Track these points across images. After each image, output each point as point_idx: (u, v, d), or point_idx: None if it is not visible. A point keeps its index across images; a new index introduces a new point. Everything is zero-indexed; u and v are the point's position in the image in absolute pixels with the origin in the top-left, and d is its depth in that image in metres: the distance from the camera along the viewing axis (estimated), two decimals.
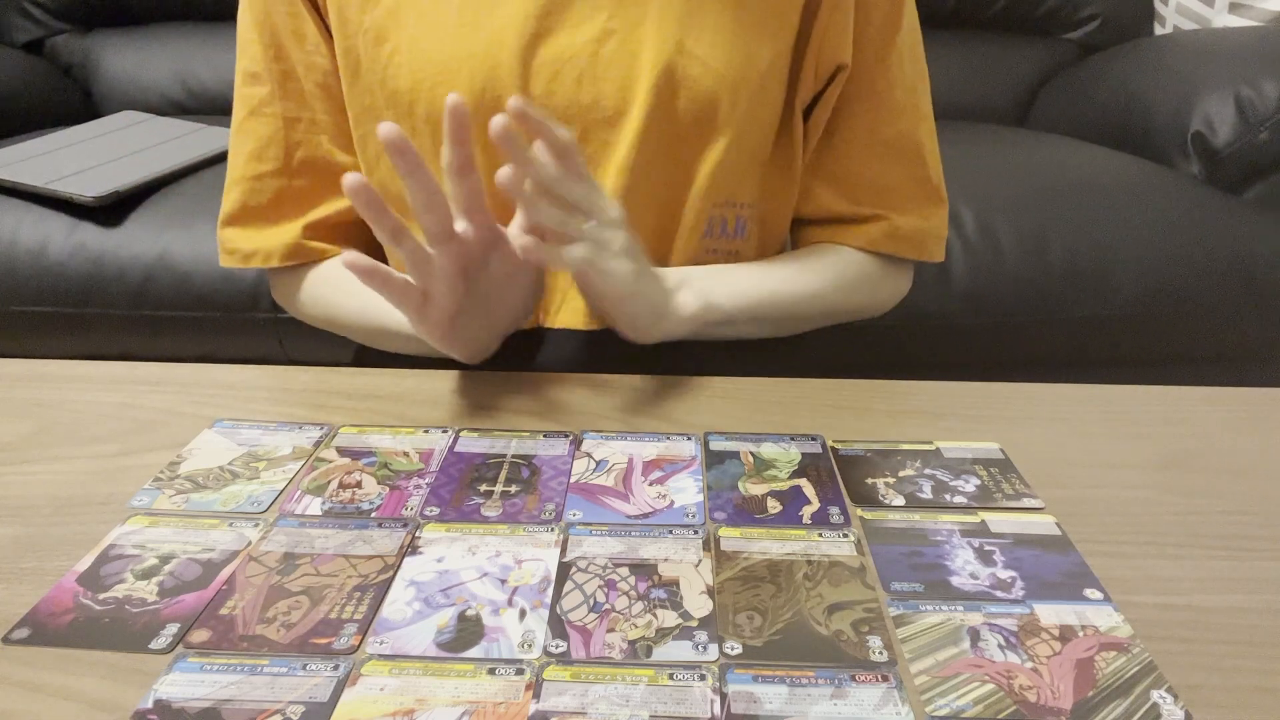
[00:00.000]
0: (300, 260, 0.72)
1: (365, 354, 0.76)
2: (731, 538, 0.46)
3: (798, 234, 0.77)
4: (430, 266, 0.54)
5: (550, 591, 0.42)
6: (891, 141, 0.70)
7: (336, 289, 0.71)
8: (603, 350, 0.67)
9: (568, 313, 0.69)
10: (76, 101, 1.96)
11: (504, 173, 0.53)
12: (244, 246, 0.71)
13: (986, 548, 0.46)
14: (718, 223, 0.70)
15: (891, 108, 0.70)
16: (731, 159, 0.68)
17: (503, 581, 0.43)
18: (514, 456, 0.53)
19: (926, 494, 0.50)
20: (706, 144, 0.66)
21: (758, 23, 0.65)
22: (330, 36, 0.68)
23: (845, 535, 0.47)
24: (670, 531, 0.47)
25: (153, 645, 0.39)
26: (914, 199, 0.72)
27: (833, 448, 0.55)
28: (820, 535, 0.47)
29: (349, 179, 0.50)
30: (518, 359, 0.67)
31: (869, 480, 0.52)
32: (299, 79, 0.69)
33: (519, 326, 0.66)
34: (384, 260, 0.72)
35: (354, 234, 0.73)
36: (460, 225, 0.55)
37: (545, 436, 0.56)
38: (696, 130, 0.65)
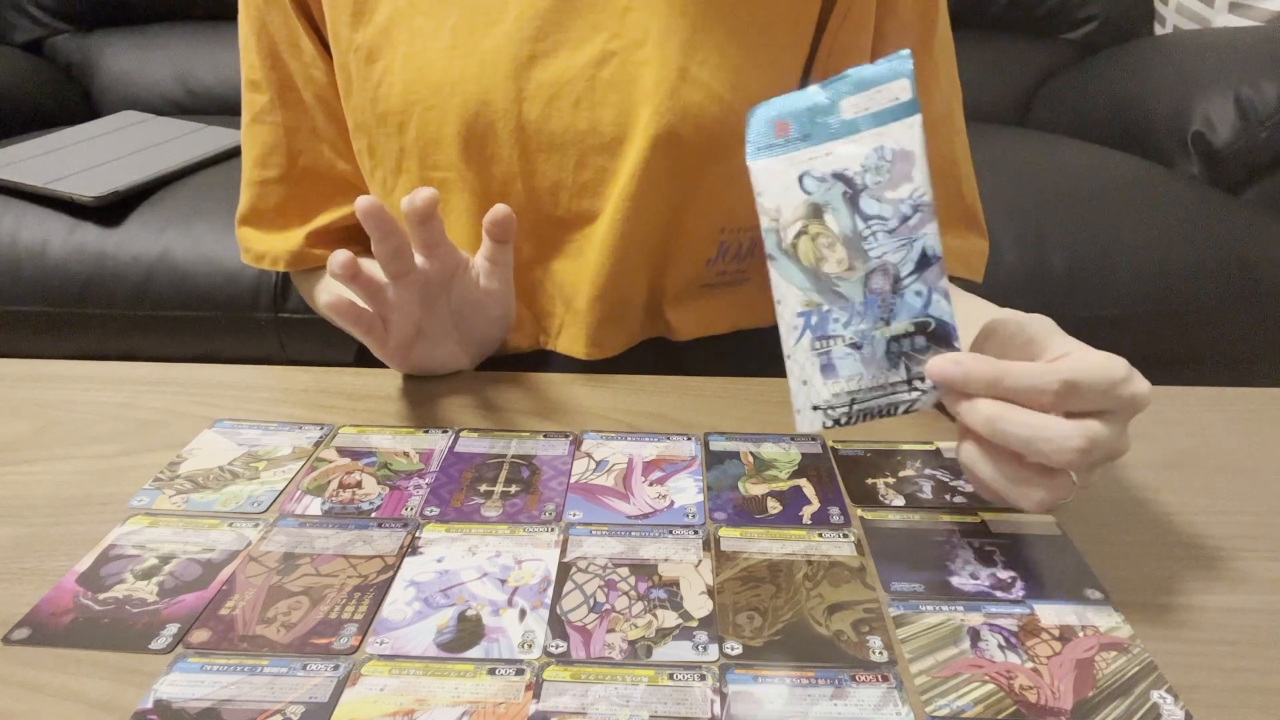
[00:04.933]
0: (303, 266, 0.72)
1: (366, 354, 0.76)
2: (731, 538, 0.46)
3: None
4: (384, 295, 0.55)
5: (550, 591, 0.42)
6: (928, 157, 0.68)
7: (328, 291, 0.71)
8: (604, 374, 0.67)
9: (567, 339, 0.68)
10: (76, 101, 1.97)
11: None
12: (256, 247, 0.73)
13: (986, 548, 0.46)
14: (731, 247, 0.69)
15: (927, 124, 0.68)
16: (739, 183, 0.66)
17: (503, 581, 0.43)
18: (514, 456, 0.53)
19: (926, 494, 0.50)
20: (712, 171, 0.64)
21: (766, 46, 0.63)
22: (327, 50, 0.67)
23: (845, 535, 0.47)
24: (670, 531, 0.47)
25: (153, 645, 0.39)
26: (951, 220, 0.69)
27: (833, 448, 0.55)
28: (820, 535, 0.47)
29: (361, 202, 0.51)
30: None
31: (869, 480, 0.52)
32: (298, 89, 0.69)
33: (498, 345, 0.66)
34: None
35: (359, 239, 0.74)
36: (419, 261, 0.56)
37: (545, 436, 0.56)
38: (701, 158, 0.63)
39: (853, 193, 0.43)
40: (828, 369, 0.44)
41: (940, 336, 0.43)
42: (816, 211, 0.44)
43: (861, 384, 0.44)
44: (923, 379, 0.43)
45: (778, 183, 0.45)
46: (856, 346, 0.44)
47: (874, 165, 0.43)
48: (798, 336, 0.44)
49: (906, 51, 0.43)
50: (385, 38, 0.63)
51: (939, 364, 0.42)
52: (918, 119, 0.43)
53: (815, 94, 0.44)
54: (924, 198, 0.43)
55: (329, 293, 0.53)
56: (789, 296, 0.44)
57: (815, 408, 0.44)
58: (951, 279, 0.72)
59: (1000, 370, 0.41)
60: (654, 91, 0.61)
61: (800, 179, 0.44)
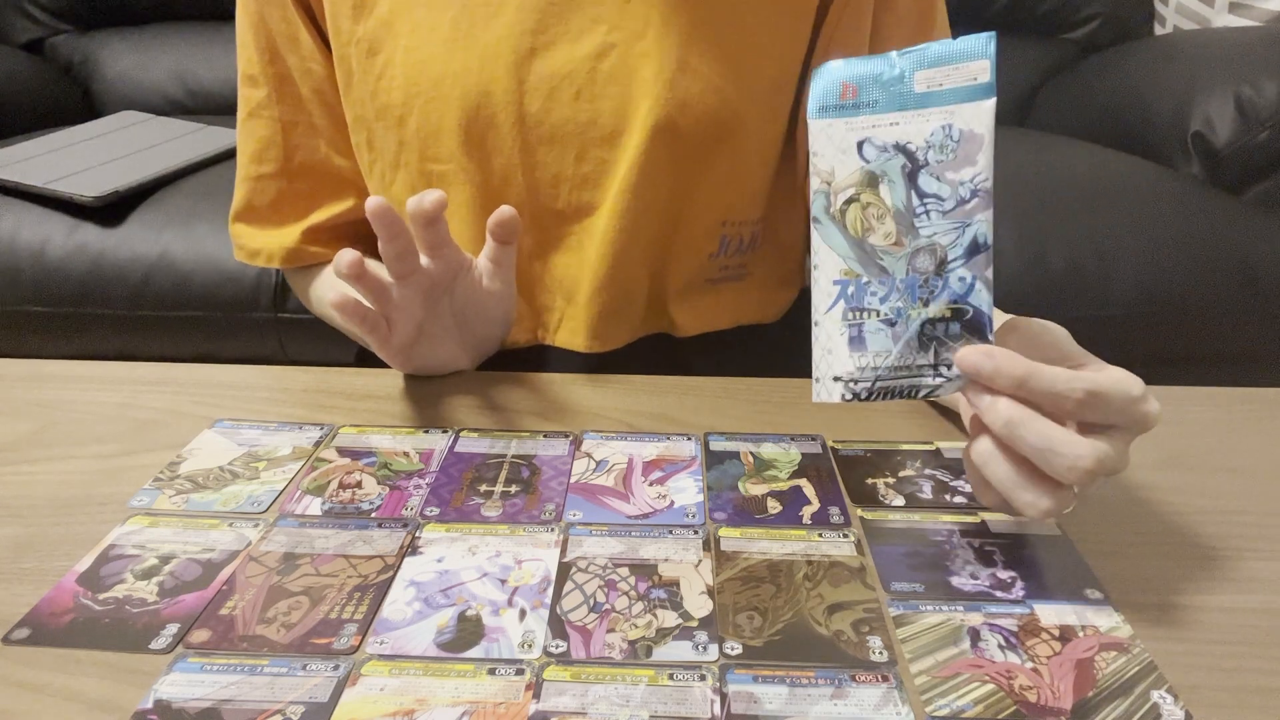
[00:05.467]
0: (299, 263, 0.72)
1: (366, 354, 0.76)
2: (731, 538, 0.46)
3: None
4: (388, 295, 0.55)
5: (550, 591, 0.42)
6: None
7: (331, 289, 0.71)
8: (604, 369, 0.67)
9: (566, 332, 0.68)
10: (76, 101, 1.97)
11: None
12: (250, 244, 0.72)
13: (986, 548, 0.46)
14: (733, 241, 0.69)
15: None
16: (739, 176, 0.66)
17: (503, 581, 0.43)
18: (514, 456, 0.53)
19: (926, 494, 0.50)
20: (712, 163, 0.64)
21: (766, 38, 0.63)
22: (326, 44, 0.67)
23: (845, 535, 0.47)
24: (670, 531, 0.47)
25: (153, 645, 0.39)
26: None
27: (833, 448, 0.55)
28: (820, 535, 0.47)
29: (371, 203, 0.51)
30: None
31: (869, 480, 0.52)
32: (295, 83, 0.69)
33: (498, 345, 0.66)
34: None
35: (354, 235, 0.74)
36: (423, 261, 0.56)
37: (545, 436, 0.56)
38: (701, 149, 0.63)
39: (912, 167, 0.43)
40: (856, 341, 0.44)
41: (975, 326, 0.42)
42: (872, 180, 0.43)
43: (888, 361, 0.43)
44: (950, 365, 0.43)
45: (835, 145, 0.44)
46: (890, 323, 0.43)
47: (939, 143, 0.42)
48: (830, 304, 0.44)
49: (991, 33, 0.42)
50: (386, 30, 0.63)
51: (970, 354, 0.42)
52: (992, 103, 0.42)
53: (889, 62, 0.43)
54: (985, 183, 0.42)
55: (334, 291, 0.53)
56: (827, 262, 0.44)
57: (836, 378, 0.44)
58: None
59: (1029, 370, 0.41)
60: (653, 83, 0.61)
61: (860, 145, 0.43)
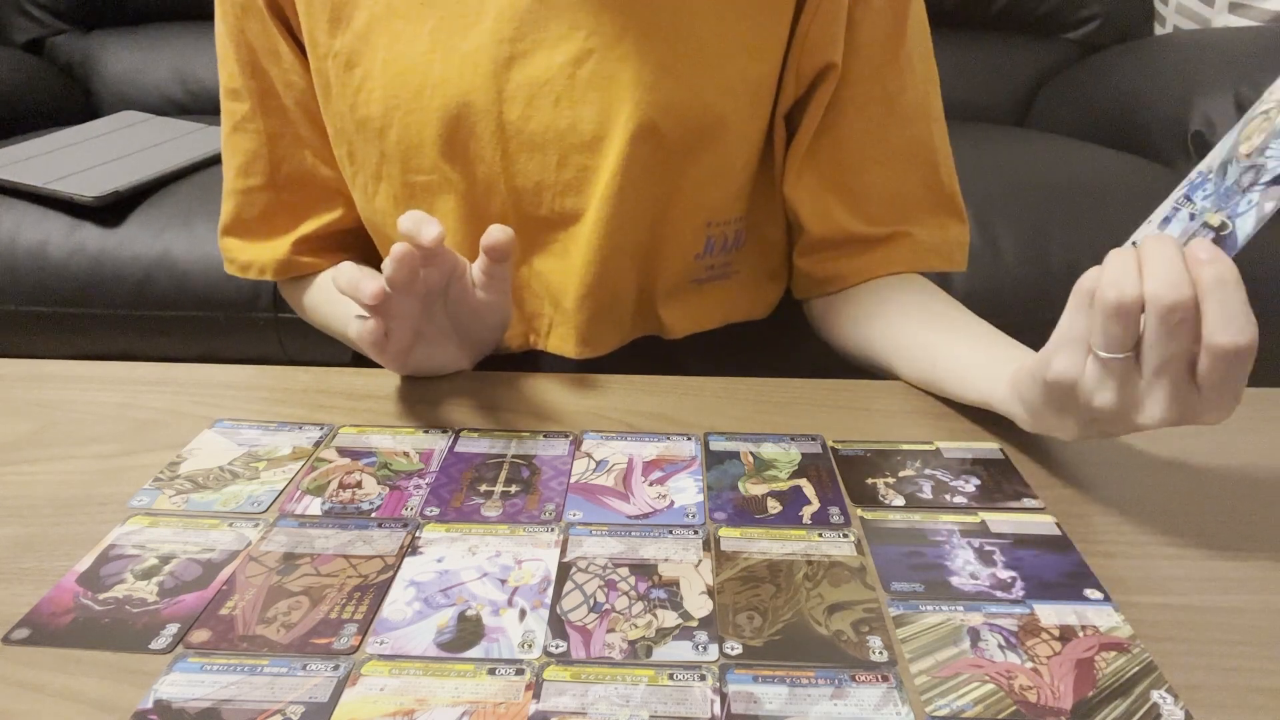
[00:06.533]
0: (291, 275, 0.72)
1: (362, 354, 0.76)
2: (731, 538, 0.46)
3: (816, 255, 0.71)
4: (390, 305, 0.55)
5: (550, 591, 0.42)
6: (903, 148, 0.68)
7: (327, 300, 0.71)
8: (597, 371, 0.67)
9: (556, 338, 0.68)
10: (76, 101, 1.96)
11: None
12: (241, 257, 0.72)
13: (986, 548, 0.46)
14: (718, 241, 0.69)
15: (902, 112, 0.67)
16: (722, 176, 0.66)
17: (503, 581, 0.43)
18: (514, 456, 0.53)
19: (926, 494, 0.50)
20: (695, 164, 0.64)
21: (744, 36, 0.63)
22: (305, 56, 0.67)
23: (845, 535, 0.47)
24: (670, 531, 0.47)
25: (153, 645, 0.39)
26: (929, 208, 0.69)
27: (833, 448, 0.55)
28: (820, 535, 0.47)
29: (397, 250, 0.50)
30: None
31: (869, 480, 0.52)
32: (278, 95, 0.68)
33: (496, 342, 0.66)
34: (375, 264, 0.72)
35: (344, 244, 0.74)
36: (420, 273, 0.55)
37: (545, 436, 0.56)
38: (684, 152, 0.63)
39: None
40: (1166, 222, 0.46)
41: (1224, 244, 0.44)
42: None
43: None
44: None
45: None
46: (1192, 218, 0.45)
47: None
48: (1183, 183, 0.46)
49: None
50: (364, 43, 0.63)
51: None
52: None
53: None
54: None
55: (354, 320, 0.53)
56: (1216, 150, 0.46)
57: (1134, 243, 0.45)
58: (930, 275, 0.71)
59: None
60: (633, 87, 0.61)
61: None
